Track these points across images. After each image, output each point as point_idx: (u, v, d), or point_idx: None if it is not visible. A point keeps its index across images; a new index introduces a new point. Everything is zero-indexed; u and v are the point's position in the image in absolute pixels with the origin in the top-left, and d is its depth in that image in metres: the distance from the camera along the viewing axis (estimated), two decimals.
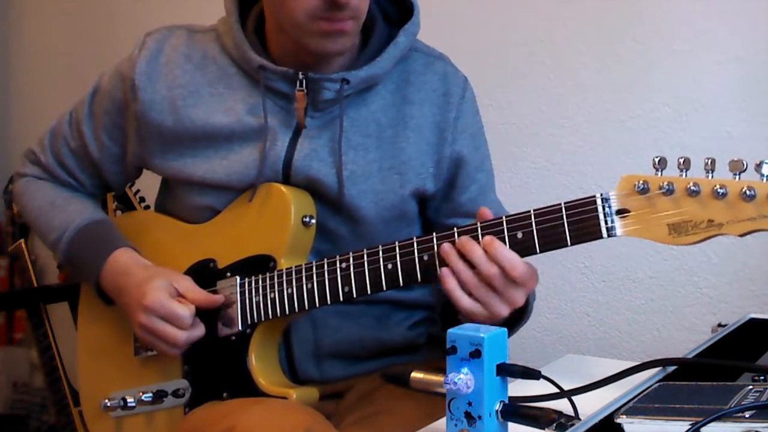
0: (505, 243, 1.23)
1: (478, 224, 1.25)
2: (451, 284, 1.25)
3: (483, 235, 1.24)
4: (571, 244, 1.20)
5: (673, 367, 1.18)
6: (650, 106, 2.04)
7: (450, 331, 1.00)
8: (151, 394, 1.50)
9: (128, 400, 1.50)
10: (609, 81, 2.09)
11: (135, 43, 1.53)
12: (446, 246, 1.25)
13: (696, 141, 1.98)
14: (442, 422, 1.03)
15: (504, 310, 1.24)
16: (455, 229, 1.27)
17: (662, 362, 1.18)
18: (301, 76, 1.42)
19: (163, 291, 1.42)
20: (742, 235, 1.08)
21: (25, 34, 3.33)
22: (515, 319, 1.33)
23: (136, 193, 2.12)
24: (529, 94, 2.18)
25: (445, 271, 1.25)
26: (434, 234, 1.29)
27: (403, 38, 1.46)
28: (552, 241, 1.20)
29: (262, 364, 1.42)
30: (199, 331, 1.44)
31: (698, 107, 1.99)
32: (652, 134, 2.03)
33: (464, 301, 1.25)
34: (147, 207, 2.08)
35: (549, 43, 2.16)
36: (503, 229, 1.23)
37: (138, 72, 1.49)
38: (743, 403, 0.93)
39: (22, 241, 2.22)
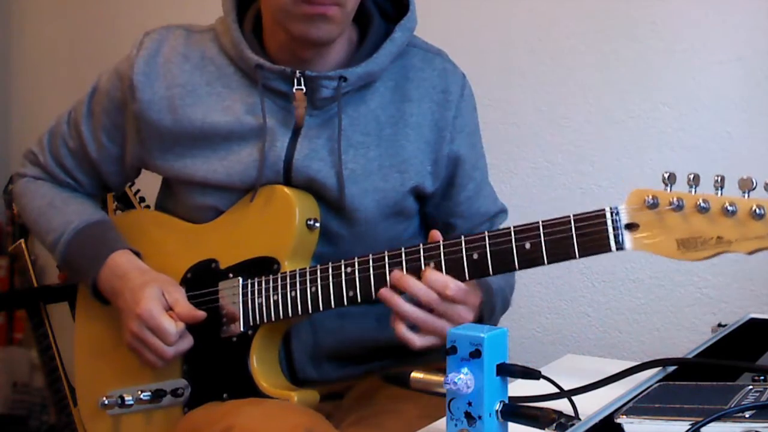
0: (512, 252, 1.23)
1: (486, 234, 1.25)
2: (400, 329, 1.29)
3: (489, 241, 1.24)
4: (579, 257, 1.20)
5: (673, 367, 1.18)
6: (650, 106, 2.04)
7: (450, 331, 1.00)
8: (149, 393, 1.49)
9: (126, 399, 1.49)
10: (609, 81, 2.08)
11: (133, 43, 1.53)
12: (385, 291, 1.30)
13: (696, 141, 1.98)
14: (442, 422, 1.03)
15: None
16: (462, 237, 1.27)
17: (662, 362, 1.18)
18: (298, 75, 1.42)
19: (156, 301, 1.42)
20: (750, 253, 1.08)
21: (25, 34, 3.33)
22: None
23: (136, 193, 2.11)
24: (529, 94, 2.18)
25: (394, 318, 1.30)
26: (440, 241, 1.29)
27: (399, 34, 1.46)
28: (560, 253, 1.20)
29: (263, 366, 1.42)
30: (186, 343, 1.44)
31: (698, 107, 1.99)
32: (652, 134, 2.03)
33: (416, 342, 1.30)
34: (147, 207, 2.08)
35: (549, 43, 2.16)
36: (511, 239, 1.23)
37: (136, 72, 1.49)
38: (743, 403, 0.93)
39: (22, 241, 2.22)
